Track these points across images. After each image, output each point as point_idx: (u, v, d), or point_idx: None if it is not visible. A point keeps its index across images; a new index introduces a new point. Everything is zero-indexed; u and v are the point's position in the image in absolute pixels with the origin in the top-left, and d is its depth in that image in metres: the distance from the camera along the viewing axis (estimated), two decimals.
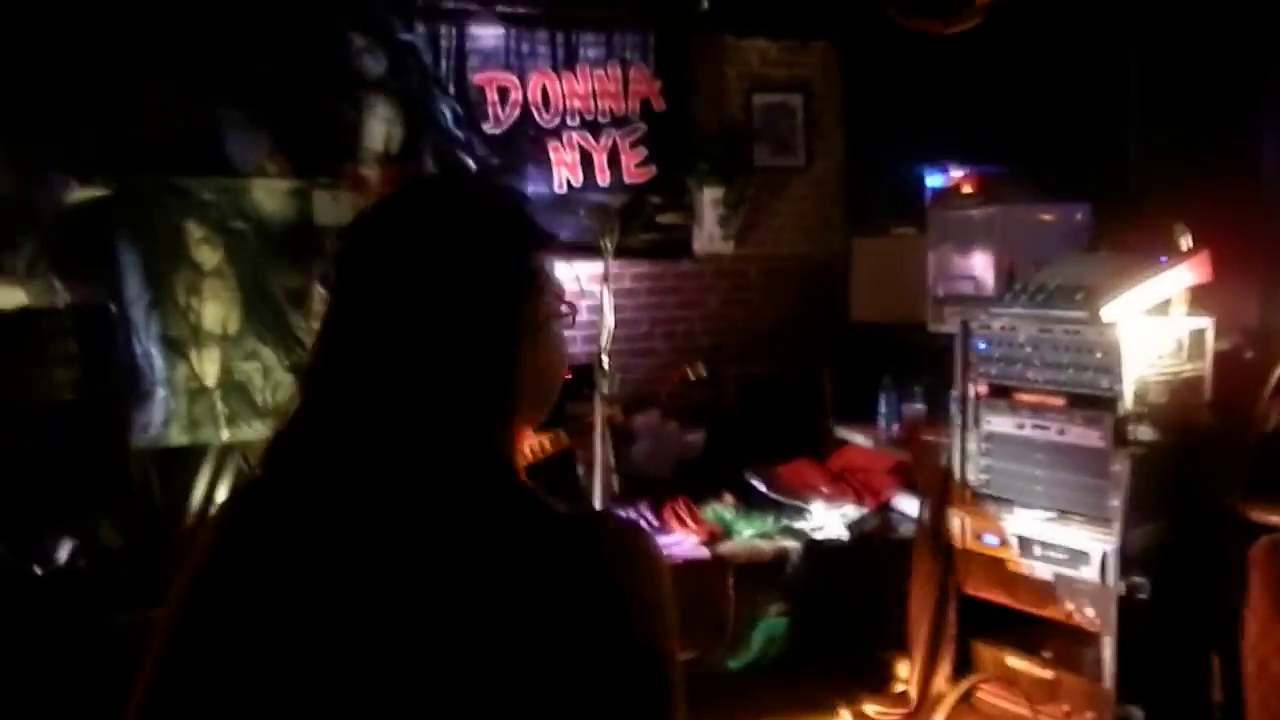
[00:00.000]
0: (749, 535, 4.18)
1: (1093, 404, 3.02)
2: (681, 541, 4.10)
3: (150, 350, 3.81)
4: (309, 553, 1.01)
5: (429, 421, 1.02)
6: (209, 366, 3.89)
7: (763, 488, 4.50)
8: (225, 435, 3.92)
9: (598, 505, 2.64)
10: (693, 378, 3.06)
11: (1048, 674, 3.17)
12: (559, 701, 0.94)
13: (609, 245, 2.77)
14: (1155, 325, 3.01)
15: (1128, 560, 2.92)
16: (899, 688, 3.55)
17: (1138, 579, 2.91)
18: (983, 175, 5.04)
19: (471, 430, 1.03)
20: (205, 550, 1.07)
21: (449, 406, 1.02)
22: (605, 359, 2.58)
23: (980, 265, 4.26)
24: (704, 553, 4.04)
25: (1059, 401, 3.10)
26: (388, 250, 1.07)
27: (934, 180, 5.32)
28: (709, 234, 5.28)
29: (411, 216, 1.09)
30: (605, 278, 2.66)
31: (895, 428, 4.66)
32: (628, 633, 0.97)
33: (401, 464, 1.01)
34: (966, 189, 5.12)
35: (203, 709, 1.02)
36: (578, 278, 3.76)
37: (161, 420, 3.80)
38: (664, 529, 4.21)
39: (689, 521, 4.23)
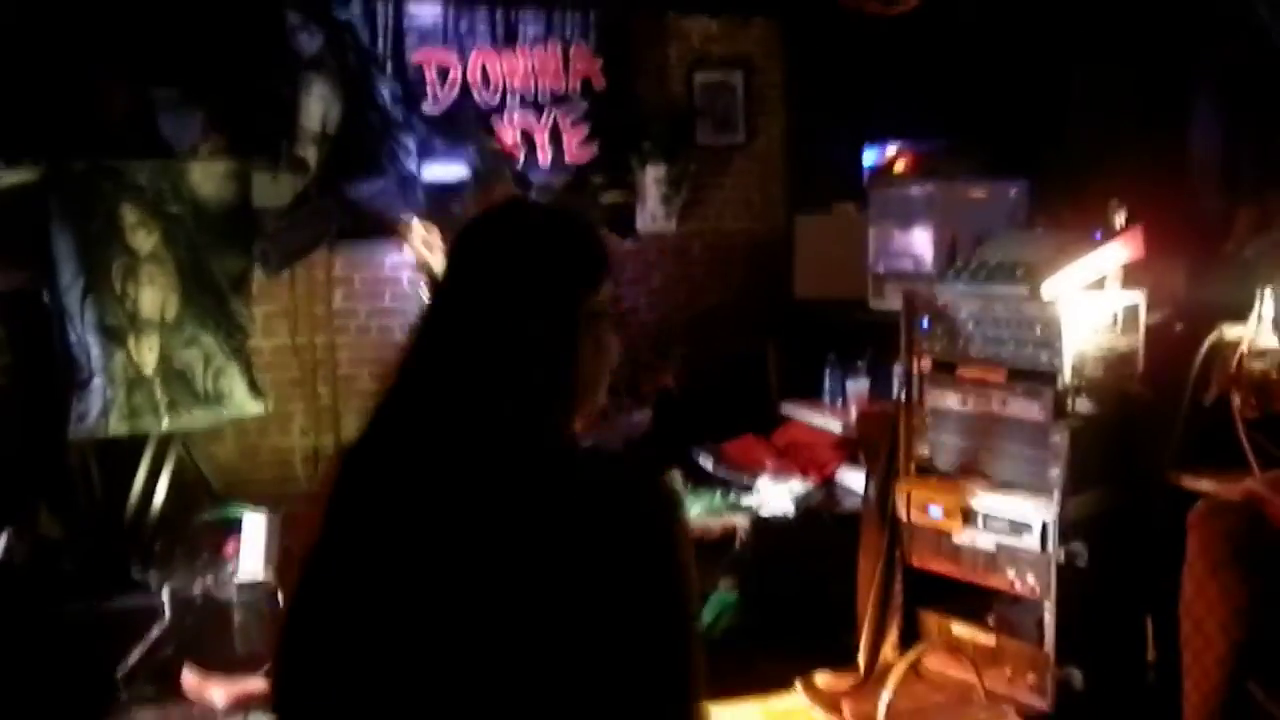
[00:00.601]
0: (697, 512, 4.22)
1: (1032, 378, 3.10)
2: None
3: (86, 338, 3.72)
4: (409, 508, 1.26)
5: (506, 402, 1.27)
6: (147, 354, 3.81)
7: (709, 465, 4.55)
8: (165, 423, 3.85)
9: None
10: (671, 385, 3.12)
11: (990, 640, 3.26)
12: (611, 626, 1.21)
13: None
14: (1092, 300, 3.09)
15: (1066, 529, 3.02)
16: (848, 658, 3.61)
17: (1076, 546, 3.00)
18: (919, 152, 5.13)
19: (539, 412, 1.28)
20: (323, 507, 1.32)
21: (522, 391, 1.27)
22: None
23: (920, 242, 4.33)
24: None
25: (999, 376, 3.18)
26: (478, 263, 1.34)
27: (871, 157, 5.40)
28: (652, 212, 5.29)
29: (498, 237, 1.36)
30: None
31: (840, 403, 4.72)
32: (673, 573, 1.26)
33: (480, 437, 1.26)
34: (899, 166, 5.20)
35: (333, 638, 1.27)
36: None
37: (99, 410, 3.71)
38: None
39: None
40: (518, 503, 1.24)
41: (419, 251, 2.90)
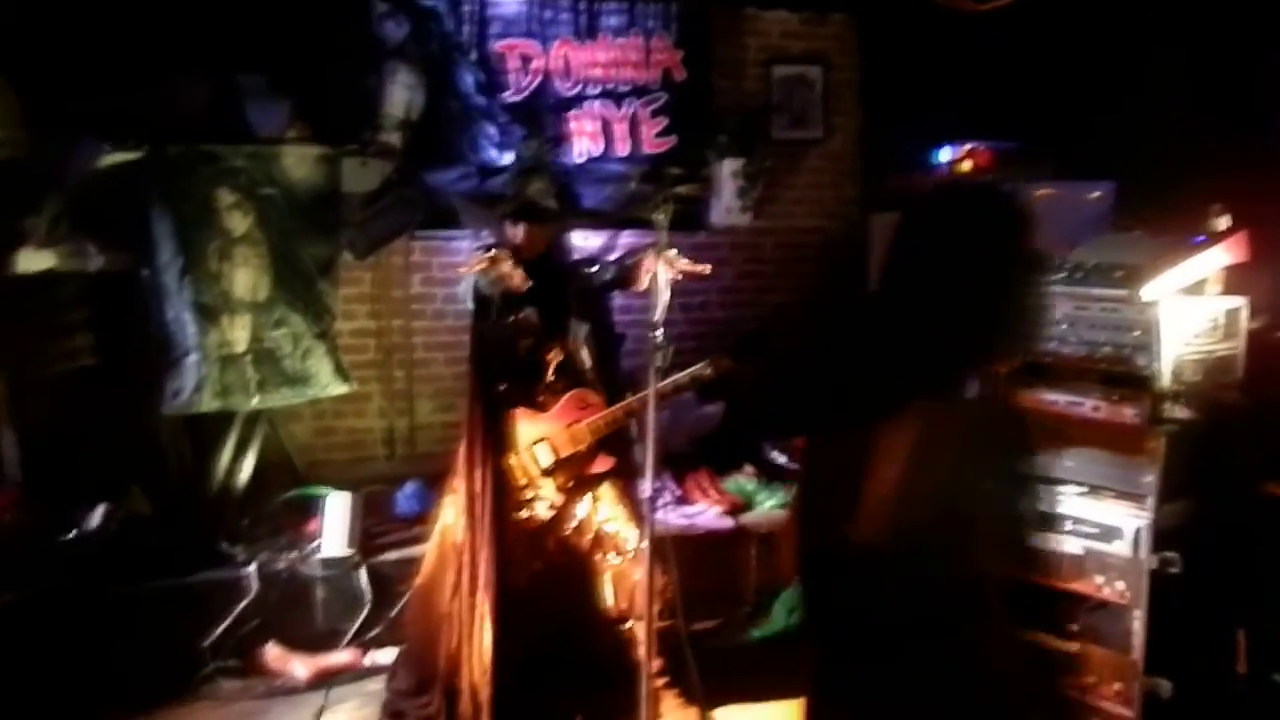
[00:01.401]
0: (770, 506, 4.23)
1: (1127, 382, 3.05)
2: (704, 512, 4.15)
3: (182, 316, 3.79)
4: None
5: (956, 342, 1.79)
6: (240, 333, 3.88)
7: (783, 459, 4.55)
8: (256, 401, 3.92)
9: (648, 476, 2.65)
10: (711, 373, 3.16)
11: (1074, 647, 3.22)
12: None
13: (663, 218, 2.78)
14: (1192, 305, 3.04)
15: (1159, 536, 2.98)
16: None
17: (1169, 554, 2.96)
18: (996, 150, 5.06)
19: (981, 352, 1.80)
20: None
21: (967, 333, 1.74)
22: (659, 332, 2.59)
23: None
24: (727, 523, 4.09)
25: (1093, 379, 3.14)
26: (928, 234, 1.79)
27: (946, 154, 5.35)
28: (726, 206, 5.28)
29: (943, 212, 1.80)
30: (657, 249, 2.67)
31: None
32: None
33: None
34: (967, 165, 5.14)
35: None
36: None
37: (193, 386, 3.79)
38: (686, 500, 4.25)
39: (711, 493, 4.27)
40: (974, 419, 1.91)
41: (504, 274, 2.99)
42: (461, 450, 3.20)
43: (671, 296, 5.08)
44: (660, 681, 3.28)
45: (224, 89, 4.05)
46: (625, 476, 3.34)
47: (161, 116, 3.78)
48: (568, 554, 3.30)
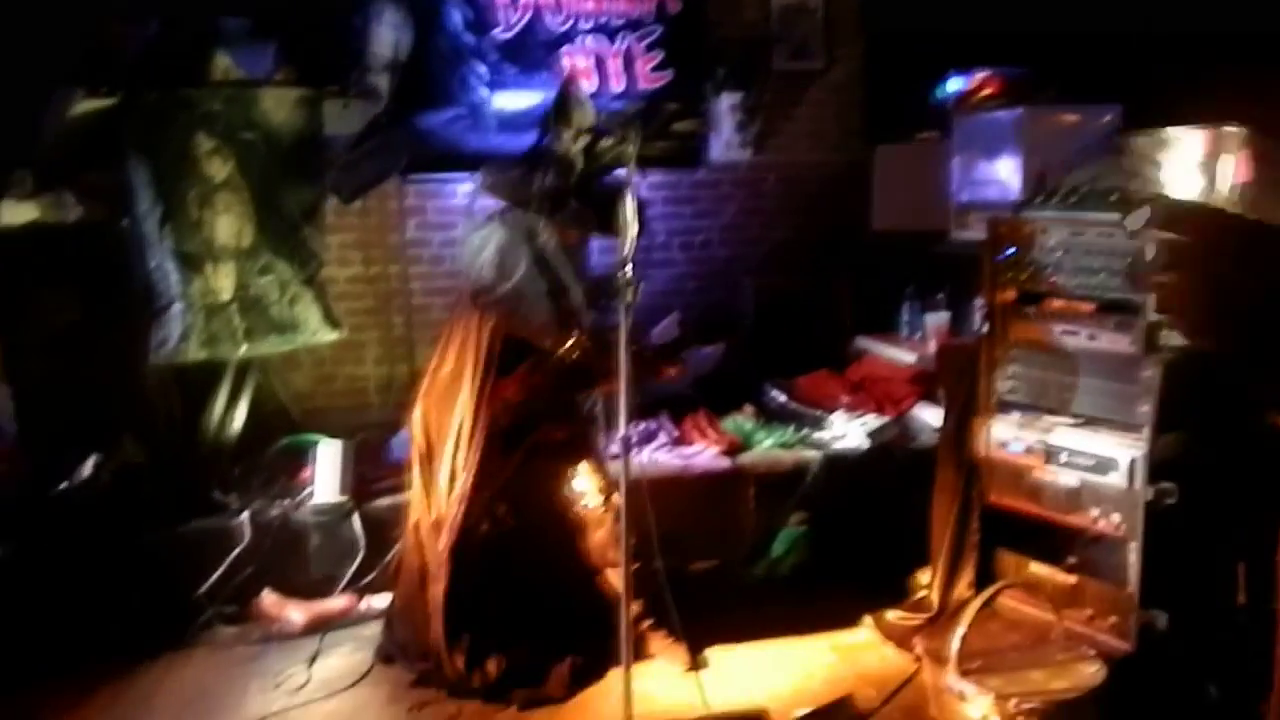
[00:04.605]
0: (768, 446, 4.18)
1: (1122, 309, 2.96)
2: (701, 452, 4.10)
3: (165, 265, 3.75)
4: None
5: None
6: (224, 281, 3.84)
7: (782, 399, 4.49)
8: (243, 349, 3.89)
9: (622, 416, 2.62)
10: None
11: (1070, 579, 3.17)
12: None
13: (631, 152, 2.70)
14: None
15: (1155, 467, 2.90)
16: (919, 594, 3.56)
17: (1165, 485, 2.89)
18: (1007, 77, 4.91)
19: None
20: None
21: None
22: (628, 269, 2.53)
23: (1006, 170, 4.17)
24: (724, 463, 4.04)
25: (1088, 307, 3.05)
26: None
27: (956, 84, 5.18)
28: (726, 141, 5.17)
29: None
30: (627, 185, 2.59)
31: (918, 337, 4.61)
32: None
33: None
34: (988, 91, 4.98)
35: None
36: None
37: (179, 335, 3.76)
38: (684, 441, 4.21)
39: (709, 433, 4.22)
40: None
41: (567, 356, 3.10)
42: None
43: (670, 236, 5.04)
44: (645, 624, 3.28)
45: (206, 34, 3.97)
46: (588, 453, 3.38)
47: (140, 60, 3.71)
48: (541, 509, 3.31)
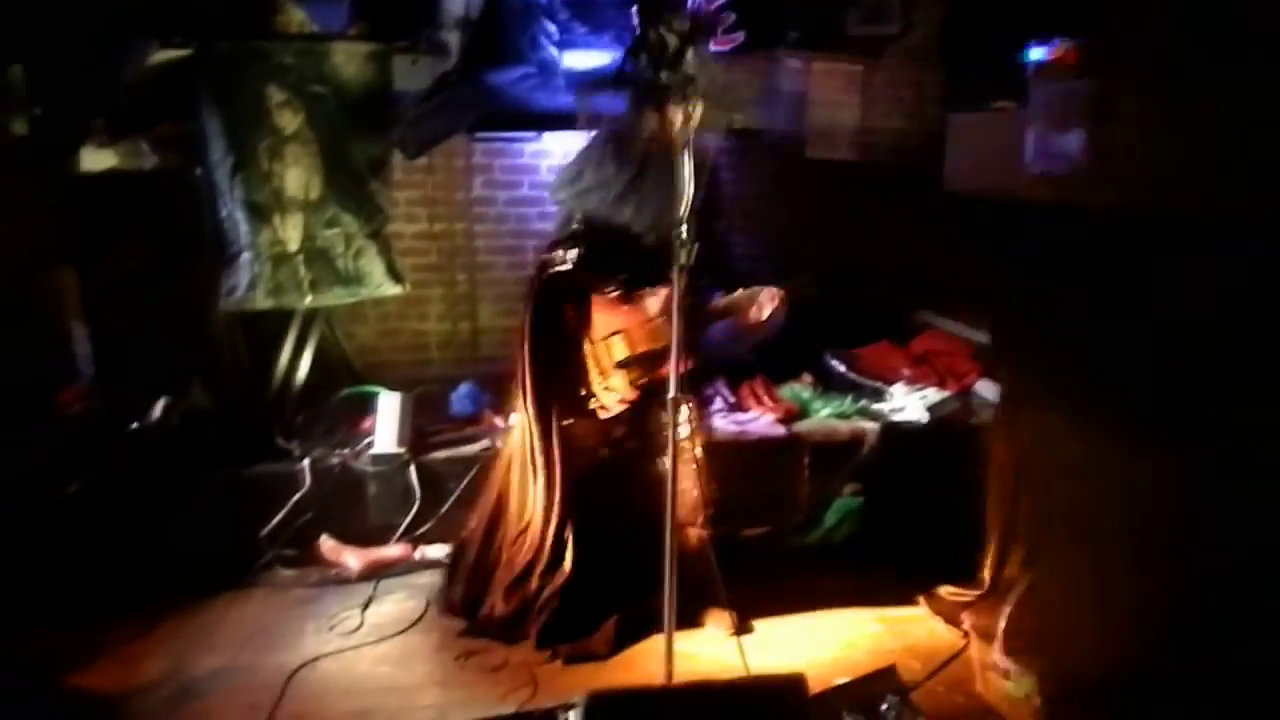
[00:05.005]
0: (825, 415, 4.15)
1: None
2: (757, 419, 4.08)
3: (235, 215, 3.84)
4: None
5: None
6: (292, 232, 3.92)
7: (842, 368, 4.45)
8: (309, 300, 3.97)
9: (673, 381, 2.60)
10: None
11: None
12: None
13: (692, 110, 2.67)
14: None
15: None
16: (968, 571, 3.52)
17: None
18: (1089, 47, 4.74)
19: None
20: None
21: None
22: (683, 229, 2.51)
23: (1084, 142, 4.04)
24: (780, 431, 4.02)
25: None
26: None
27: (1036, 53, 5.03)
28: None
29: None
30: (681, 142, 2.57)
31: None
32: None
33: None
34: (1067, 60, 4.83)
35: None
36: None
37: (247, 284, 3.85)
38: (740, 407, 4.20)
39: (766, 400, 4.21)
40: None
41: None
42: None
43: (729, 202, 4.97)
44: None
45: None
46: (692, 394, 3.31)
47: (214, 12, 3.78)
48: (628, 454, 3.29)
